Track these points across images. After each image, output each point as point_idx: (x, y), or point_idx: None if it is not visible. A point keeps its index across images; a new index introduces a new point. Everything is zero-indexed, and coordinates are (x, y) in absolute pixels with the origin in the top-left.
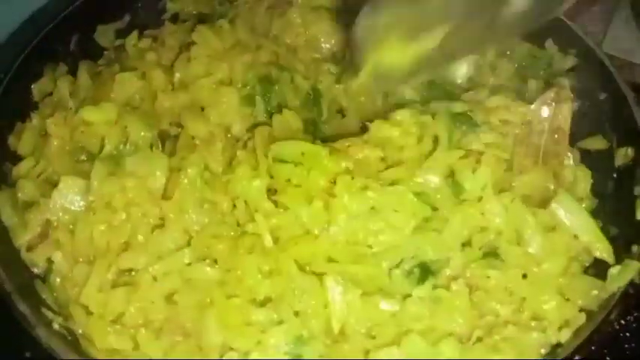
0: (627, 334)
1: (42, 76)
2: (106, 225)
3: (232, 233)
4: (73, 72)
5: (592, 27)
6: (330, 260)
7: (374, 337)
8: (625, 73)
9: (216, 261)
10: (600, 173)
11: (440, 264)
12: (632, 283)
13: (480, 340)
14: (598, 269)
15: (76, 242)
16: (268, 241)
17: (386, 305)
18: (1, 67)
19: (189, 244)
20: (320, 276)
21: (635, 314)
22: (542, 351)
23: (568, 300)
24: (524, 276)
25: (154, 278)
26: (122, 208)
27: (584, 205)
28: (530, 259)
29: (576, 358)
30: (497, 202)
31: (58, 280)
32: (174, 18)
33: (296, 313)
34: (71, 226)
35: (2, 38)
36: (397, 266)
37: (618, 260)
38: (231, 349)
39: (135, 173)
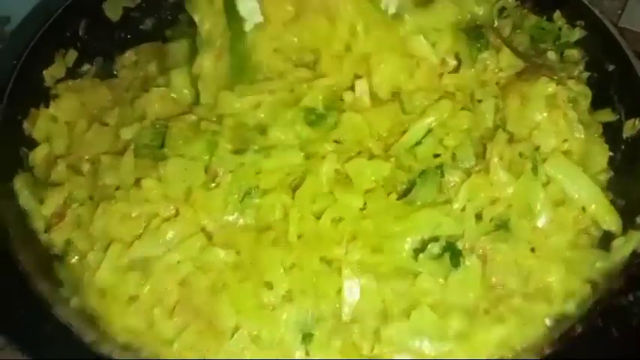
0: (635, 309)
1: (53, 62)
2: (121, 216)
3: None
4: (82, 57)
5: (610, 2)
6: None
7: (384, 316)
8: None
9: (239, 252)
10: (609, 145)
11: (455, 238)
12: (635, 254)
13: (486, 312)
14: (607, 242)
15: (92, 227)
16: (293, 235)
17: (399, 286)
18: (13, 55)
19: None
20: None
21: None
22: (547, 322)
23: (573, 271)
24: (533, 250)
25: (168, 267)
26: (138, 204)
27: (601, 178)
28: (539, 233)
29: (579, 329)
30: (504, 172)
31: (75, 260)
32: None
33: (308, 296)
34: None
35: (14, 25)
36: (422, 250)
37: (624, 232)
38: (244, 330)
39: (166, 176)
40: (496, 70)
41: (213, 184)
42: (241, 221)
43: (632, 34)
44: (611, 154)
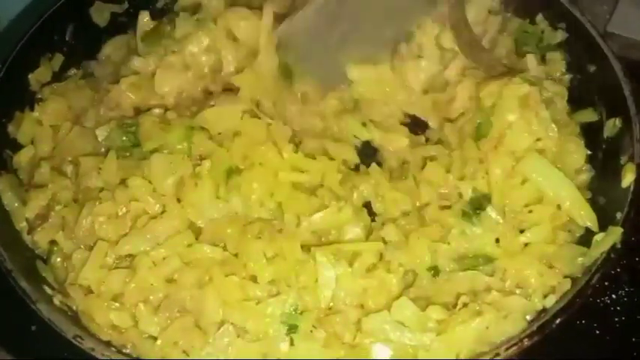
0: (618, 307)
1: (39, 66)
2: (107, 216)
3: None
4: (69, 62)
5: (598, 7)
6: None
7: (363, 308)
8: (632, 53)
9: (225, 246)
10: (591, 145)
11: None
12: (614, 249)
13: (465, 305)
14: (589, 239)
15: (77, 228)
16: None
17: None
18: (0, 57)
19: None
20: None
21: (627, 289)
22: (528, 317)
23: (552, 268)
24: (497, 240)
25: (154, 263)
26: (124, 203)
27: (582, 177)
28: (509, 228)
29: (557, 320)
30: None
31: (58, 260)
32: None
33: (292, 288)
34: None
35: (2, 27)
36: None
37: (606, 229)
38: (229, 323)
39: (152, 172)
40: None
41: (196, 173)
42: (228, 210)
43: (621, 39)
44: (592, 153)
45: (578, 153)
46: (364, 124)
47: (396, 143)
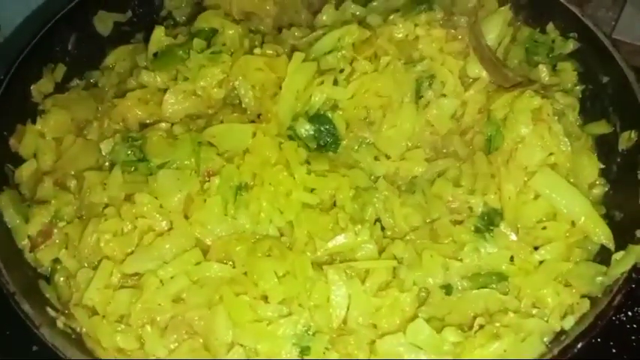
0: (634, 325)
1: (41, 77)
2: (113, 233)
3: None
4: (71, 72)
5: (603, 13)
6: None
7: (376, 327)
8: (637, 60)
9: (233, 263)
10: (604, 158)
11: None
12: (636, 269)
13: (481, 327)
14: (605, 256)
15: (82, 245)
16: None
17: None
18: (2, 68)
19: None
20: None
21: None
22: (546, 339)
23: (569, 286)
24: (512, 259)
25: (161, 282)
26: (130, 220)
27: (596, 192)
28: (523, 246)
29: (579, 345)
30: None
31: (62, 279)
32: (169, 16)
33: (304, 308)
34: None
35: (3, 37)
36: None
37: (623, 246)
38: (240, 345)
39: (159, 189)
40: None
41: (204, 190)
42: (237, 228)
43: (626, 45)
44: (605, 167)
45: (591, 167)
46: (376, 159)
47: (413, 170)
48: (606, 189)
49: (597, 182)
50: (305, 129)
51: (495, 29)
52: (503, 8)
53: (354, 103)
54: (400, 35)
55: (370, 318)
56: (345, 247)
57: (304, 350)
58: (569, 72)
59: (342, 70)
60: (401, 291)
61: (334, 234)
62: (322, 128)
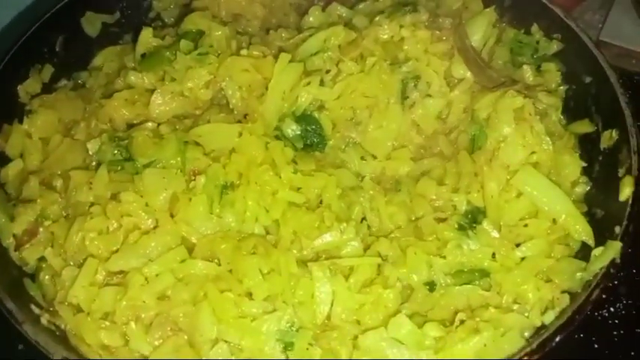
0: (616, 321)
1: (28, 78)
2: (98, 232)
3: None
4: (59, 73)
5: (591, 15)
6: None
7: (360, 324)
8: (624, 62)
9: (219, 261)
10: (587, 156)
11: None
12: (614, 264)
13: (462, 322)
14: (586, 252)
15: (67, 244)
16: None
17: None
18: None
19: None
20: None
21: (625, 302)
22: (526, 334)
23: (550, 282)
24: (493, 255)
25: (146, 279)
26: (116, 218)
27: (578, 190)
28: (505, 243)
29: (558, 338)
30: None
31: (47, 278)
32: (158, 18)
33: (288, 304)
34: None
35: None
36: None
37: (603, 242)
38: (224, 341)
39: (145, 187)
40: None
41: (189, 189)
42: (222, 226)
43: (613, 47)
44: (588, 165)
45: (573, 165)
46: (363, 159)
47: (399, 170)
48: (588, 187)
49: (580, 180)
50: (292, 129)
51: (480, 30)
52: (487, 10)
53: (340, 103)
54: (386, 36)
55: (354, 314)
56: (331, 245)
57: (288, 346)
58: (553, 72)
59: (328, 71)
60: (384, 287)
61: (320, 232)
62: (309, 128)
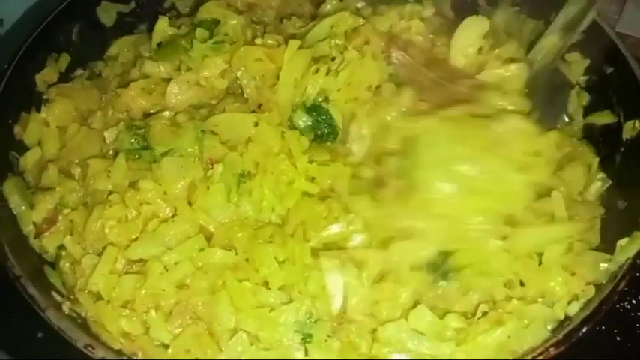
0: (639, 313)
1: (45, 67)
2: (117, 220)
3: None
4: (75, 62)
5: (606, 7)
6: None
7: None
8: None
9: (235, 250)
10: (609, 147)
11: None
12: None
13: (484, 313)
14: (607, 244)
15: (87, 232)
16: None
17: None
18: (5, 58)
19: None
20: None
21: None
22: (549, 326)
23: (574, 275)
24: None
25: (165, 267)
26: (135, 207)
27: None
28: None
29: (584, 329)
30: None
31: (67, 265)
32: (172, 8)
33: (304, 295)
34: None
35: (7, 27)
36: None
37: (628, 233)
38: (243, 331)
39: (163, 176)
40: None
41: (207, 177)
42: (239, 215)
43: (629, 38)
44: (609, 156)
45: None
46: None
47: None
48: (607, 185)
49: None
50: (302, 120)
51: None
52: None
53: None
54: (385, 27)
55: (369, 307)
56: (338, 236)
57: (306, 337)
58: (579, 62)
59: (334, 59)
60: (395, 282)
61: (328, 223)
62: (319, 119)
